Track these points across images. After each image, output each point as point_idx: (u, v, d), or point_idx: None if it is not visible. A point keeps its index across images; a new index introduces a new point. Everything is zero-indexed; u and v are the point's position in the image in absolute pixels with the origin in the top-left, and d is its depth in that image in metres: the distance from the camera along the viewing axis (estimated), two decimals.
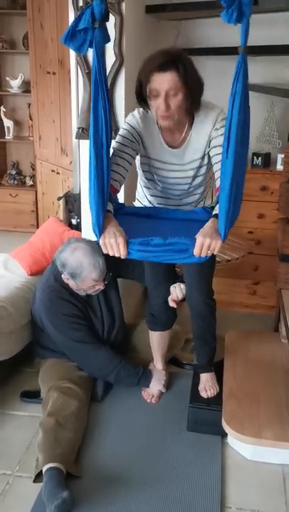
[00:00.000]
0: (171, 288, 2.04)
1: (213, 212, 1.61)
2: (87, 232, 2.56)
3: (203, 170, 1.83)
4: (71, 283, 2.17)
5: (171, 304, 2.05)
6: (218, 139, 1.69)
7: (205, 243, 1.50)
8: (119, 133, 1.77)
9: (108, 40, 1.60)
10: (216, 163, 1.71)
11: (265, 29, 2.82)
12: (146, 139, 1.77)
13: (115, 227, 1.57)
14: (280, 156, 2.93)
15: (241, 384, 2.17)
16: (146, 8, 2.81)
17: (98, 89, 1.53)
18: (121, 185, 1.73)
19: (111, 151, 1.68)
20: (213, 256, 1.83)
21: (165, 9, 2.86)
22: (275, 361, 2.34)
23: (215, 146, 1.72)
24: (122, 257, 1.56)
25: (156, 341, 2.32)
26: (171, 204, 1.92)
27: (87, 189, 1.59)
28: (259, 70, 3.03)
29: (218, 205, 1.58)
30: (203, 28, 3.20)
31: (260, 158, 2.97)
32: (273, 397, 2.09)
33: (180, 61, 1.58)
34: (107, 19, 1.55)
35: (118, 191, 1.72)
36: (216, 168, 1.70)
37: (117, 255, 1.56)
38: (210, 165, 1.80)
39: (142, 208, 1.96)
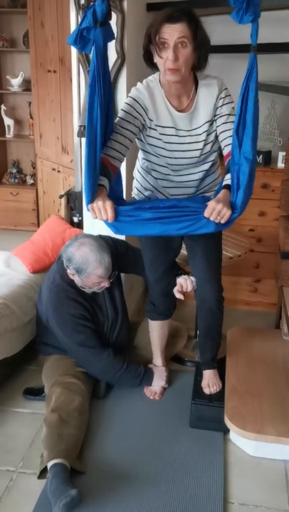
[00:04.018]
0: (181, 279, 2.03)
1: (224, 183, 1.66)
2: (89, 230, 2.57)
3: (211, 137, 1.81)
4: (76, 279, 2.17)
5: (178, 296, 2.04)
6: (224, 108, 1.75)
7: (217, 207, 1.54)
8: (122, 108, 1.75)
9: (112, 38, 1.64)
10: (222, 132, 1.75)
11: (267, 27, 2.82)
12: (151, 108, 1.75)
13: (105, 196, 1.60)
14: (281, 154, 2.94)
15: (243, 380, 2.18)
16: (147, 6, 2.81)
17: (95, 87, 1.58)
18: (121, 163, 1.74)
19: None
20: (219, 246, 2.01)
21: (165, 7, 2.85)
22: (276, 358, 2.35)
23: (221, 116, 1.75)
24: (110, 220, 1.58)
25: (156, 332, 2.32)
26: (178, 188, 1.93)
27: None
28: (260, 68, 2.99)
29: (228, 175, 1.65)
30: (204, 26, 3.20)
31: (261, 156, 2.97)
32: (275, 394, 2.09)
33: (191, 15, 1.61)
34: (110, 18, 1.58)
35: (118, 169, 1.74)
36: (222, 137, 1.76)
37: (104, 218, 1.58)
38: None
39: (142, 201, 1.99)
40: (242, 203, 1.60)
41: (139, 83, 1.78)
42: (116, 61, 2.35)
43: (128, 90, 2.43)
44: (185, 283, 2.01)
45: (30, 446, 2.00)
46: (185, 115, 1.76)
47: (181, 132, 1.79)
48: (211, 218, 1.55)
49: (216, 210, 1.54)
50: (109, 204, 1.56)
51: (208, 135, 1.79)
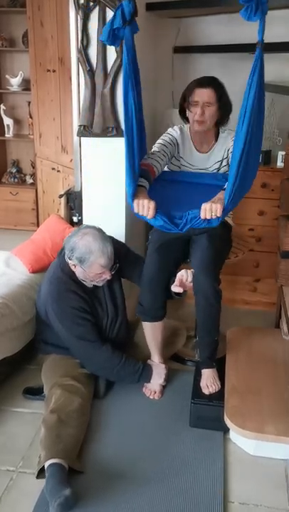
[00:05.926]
0: (181, 271, 2.05)
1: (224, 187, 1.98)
2: None
3: (223, 163, 2.28)
4: (78, 270, 2.17)
5: (176, 289, 2.04)
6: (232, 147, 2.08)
7: (207, 207, 1.87)
8: (162, 137, 2.25)
9: (137, 30, 1.89)
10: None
11: (266, 26, 2.82)
12: (181, 147, 2.27)
13: (148, 197, 1.95)
14: (281, 153, 2.95)
15: (243, 380, 2.18)
16: (147, 5, 2.82)
17: (128, 80, 1.88)
18: (159, 173, 2.17)
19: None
20: (224, 244, 2.29)
21: (165, 7, 2.86)
22: (276, 357, 2.35)
23: (231, 152, 2.12)
24: (149, 217, 1.91)
25: (149, 333, 2.33)
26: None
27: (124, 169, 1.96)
28: None
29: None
30: (203, 26, 3.21)
31: (260, 155, 2.97)
32: (275, 393, 2.10)
33: (218, 83, 2.12)
34: (136, 15, 1.83)
35: (156, 175, 2.14)
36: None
37: (145, 214, 1.91)
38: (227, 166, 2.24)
39: (173, 172, 2.32)
40: (228, 198, 1.88)
41: (175, 126, 2.29)
42: (115, 61, 2.36)
43: None
44: (185, 273, 2.03)
45: (30, 446, 2.00)
46: (203, 155, 2.28)
47: (198, 169, 2.30)
48: (207, 217, 1.88)
49: (207, 210, 1.87)
50: (153, 204, 1.91)
51: (218, 170, 2.29)
